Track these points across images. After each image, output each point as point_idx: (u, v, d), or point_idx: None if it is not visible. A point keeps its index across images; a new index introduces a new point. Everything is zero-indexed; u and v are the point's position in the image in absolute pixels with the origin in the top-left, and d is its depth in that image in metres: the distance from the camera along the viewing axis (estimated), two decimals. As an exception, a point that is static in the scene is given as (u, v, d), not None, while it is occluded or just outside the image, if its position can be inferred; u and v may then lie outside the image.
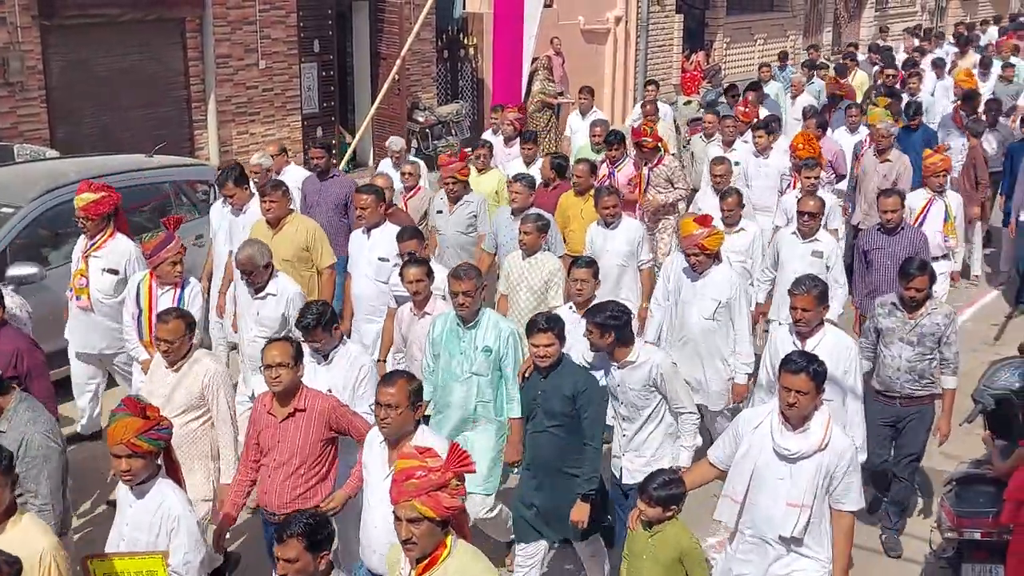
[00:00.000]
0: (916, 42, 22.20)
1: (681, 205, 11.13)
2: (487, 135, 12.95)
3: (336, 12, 16.20)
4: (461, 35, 18.28)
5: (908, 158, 11.23)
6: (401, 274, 7.18)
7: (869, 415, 6.90)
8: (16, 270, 8.36)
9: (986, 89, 16.29)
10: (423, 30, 15.39)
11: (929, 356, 7.17)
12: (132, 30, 13.40)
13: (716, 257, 7.59)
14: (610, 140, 11.26)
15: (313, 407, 5.78)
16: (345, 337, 6.73)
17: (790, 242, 8.66)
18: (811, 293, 6.51)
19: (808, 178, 9.81)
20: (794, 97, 16.08)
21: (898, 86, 16.06)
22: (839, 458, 5.22)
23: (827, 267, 8.36)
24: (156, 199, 10.13)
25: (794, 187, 10.50)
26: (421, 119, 17.00)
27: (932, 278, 7.20)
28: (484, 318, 6.64)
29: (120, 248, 7.81)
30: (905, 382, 7.20)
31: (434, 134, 17.33)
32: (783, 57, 19.90)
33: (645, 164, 10.86)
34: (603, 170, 10.99)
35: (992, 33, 24.81)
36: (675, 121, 14.97)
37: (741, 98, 14.26)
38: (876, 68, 18.07)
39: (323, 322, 6.24)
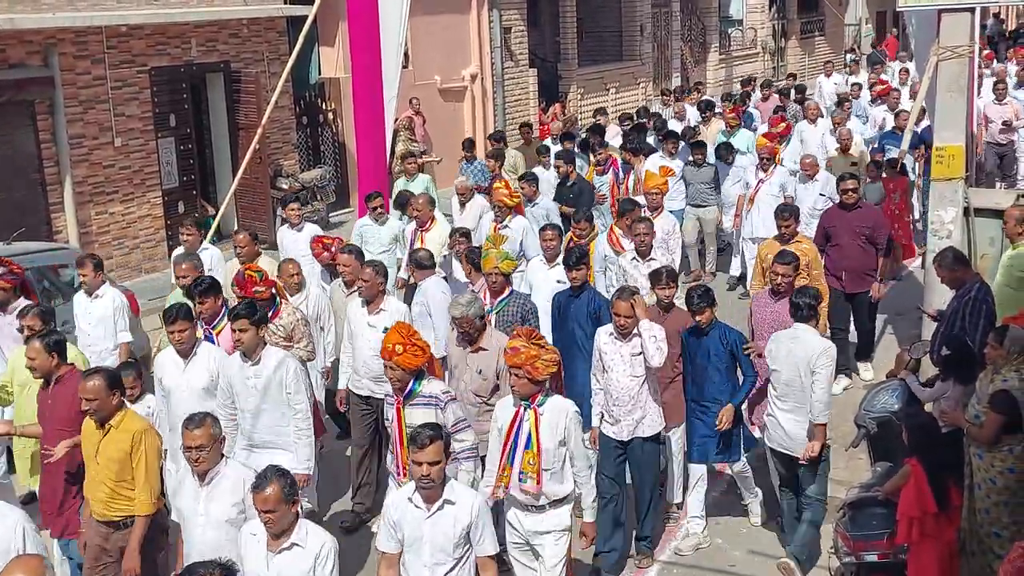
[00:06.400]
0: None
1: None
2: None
3: (190, 85, 15.97)
4: (319, 100, 18.22)
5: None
6: None
7: None
8: None
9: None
10: (280, 97, 15.29)
11: None
12: (-20, 115, 13.00)
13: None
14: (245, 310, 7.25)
15: None
16: None
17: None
18: None
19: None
20: (463, 204, 11.87)
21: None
22: None
23: None
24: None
25: None
26: (285, 186, 16.81)
27: None
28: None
29: None
30: None
31: (300, 200, 17.13)
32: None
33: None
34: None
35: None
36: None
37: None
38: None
39: None
